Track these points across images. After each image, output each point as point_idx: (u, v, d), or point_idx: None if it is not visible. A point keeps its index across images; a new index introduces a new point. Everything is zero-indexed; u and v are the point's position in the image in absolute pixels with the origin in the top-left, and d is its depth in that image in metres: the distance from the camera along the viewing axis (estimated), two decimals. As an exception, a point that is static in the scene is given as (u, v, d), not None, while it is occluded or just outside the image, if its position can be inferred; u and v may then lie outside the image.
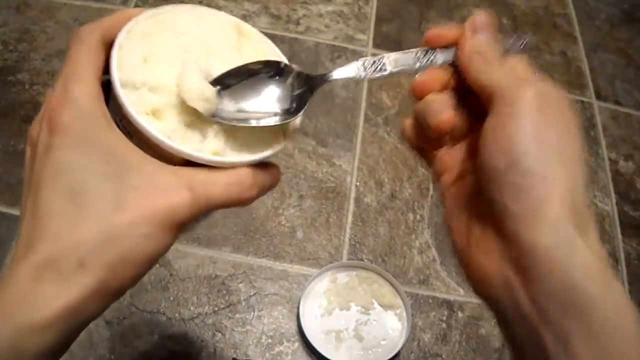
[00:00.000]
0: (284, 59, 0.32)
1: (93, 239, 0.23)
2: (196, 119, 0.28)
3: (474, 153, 0.27)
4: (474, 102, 0.28)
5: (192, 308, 0.57)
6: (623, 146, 0.79)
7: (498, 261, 0.25)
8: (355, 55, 0.81)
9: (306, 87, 0.30)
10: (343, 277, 0.60)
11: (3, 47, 0.74)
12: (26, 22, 0.78)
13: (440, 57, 0.29)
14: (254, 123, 0.28)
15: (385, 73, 0.31)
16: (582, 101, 0.83)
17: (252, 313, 0.57)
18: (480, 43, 0.28)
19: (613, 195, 0.73)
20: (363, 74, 0.31)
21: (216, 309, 0.57)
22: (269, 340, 0.56)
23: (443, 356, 0.58)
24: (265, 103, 0.29)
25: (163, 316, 0.56)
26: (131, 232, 0.24)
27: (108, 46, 0.27)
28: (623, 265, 0.67)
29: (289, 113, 0.29)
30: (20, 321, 0.22)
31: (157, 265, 0.58)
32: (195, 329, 0.55)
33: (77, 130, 0.24)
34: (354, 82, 0.78)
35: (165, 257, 0.59)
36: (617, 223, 0.71)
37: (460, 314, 0.61)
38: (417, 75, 0.29)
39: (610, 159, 0.77)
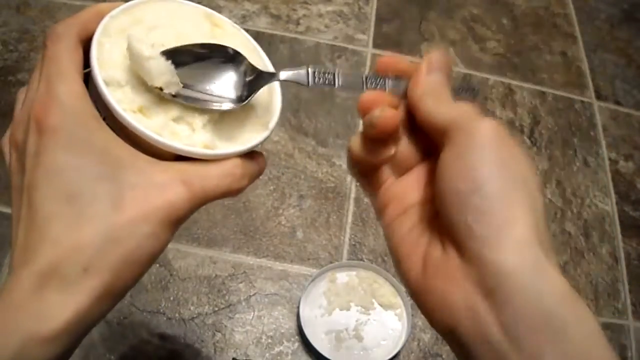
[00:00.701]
0: (258, 49, 0.32)
1: (95, 241, 0.23)
2: (182, 112, 0.28)
3: (425, 182, 0.28)
4: (418, 136, 0.29)
5: (192, 308, 0.57)
6: (623, 146, 0.79)
7: (462, 286, 0.24)
8: (355, 55, 0.81)
9: (256, 79, 0.30)
10: (343, 277, 0.60)
11: (3, 47, 0.75)
12: (26, 22, 0.78)
13: (390, 85, 0.29)
14: (216, 107, 0.28)
15: (334, 87, 0.31)
16: (582, 101, 0.83)
17: (252, 313, 0.57)
18: (434, 83, 0.28)
19: (613, 195, 0.73)
20: (311, 83, 0.30)
21: (216, 309, 0.57)
22: (269, 340, 0.56)
23: (443, 356, 0.58)
24: (220, 87, 0.29)
25: (163, 316, 0.56)
26: (133, 232, 0.23)
27: (84, 42, 0.27)
28: (623, 265, 0.67)
29: (240, 100, 0.29)
30: (26, 333, 0.21)
31: (157, 265, 0.58)
32: (195, 329, 0.55)
33: (67, 131, 0.24)
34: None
35: (165, 257, 0.59)
36: (617, 223, 0.71)
37: (460, 314, 0.61)
38: (365, 92, 0.29)
39: (610, 159, 0.77)
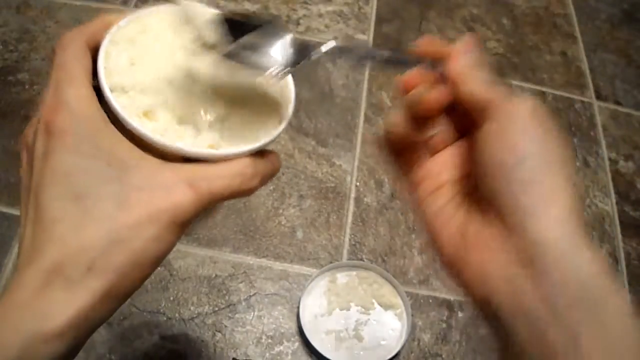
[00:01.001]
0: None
1: (100, 242, 0.23)
2: (188, 113, 0.28)
3: (461, 160, 0.29)
4: (452, 117, 0.29)
5: (192, 308, 0.57)
6: (623, 146, 0.79)
7: (501, 256, 0.24)
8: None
9: (300, 52, 0.30)
10: (343, 277, 0.60)
11: (3, 47, 0.75)
12: (26, 22, 0.78)
13: (428, 65, 0.30)
14: (265, 71, 0.28)
15: (374, 62, 0.32)
16: (582, 101, 0.83)
17: (252, 313, 0.57)
18: (472, 61, 0.29)
19: (613, 195, 0.73)
20: (359, 57, 0.32)
21: (216, 309, 0.57)
22: (269, 340, 0.56)
23: (443, 356, 0.58)
24: (268, 58, 0.29)
25: (163, 316, 0.56)
26: (138, 234, 0.23)
27: (92, 51, 0.28)
28: (623, 265, 0.67)
29: (289, 66, 0.29)
30: (30, 331, 0.21)
31: (157, 265, 0.58)
32: (195, 329, 0.55)
33: (74, 133, 0.24)
34: (354, 82, 0.78)
35: (166, 257, 0.59)
36: (617, 223, 0.71)
37: (460, 314, 0.61)
38: (406, 72, 0.30)
39: (610, 159, 0.77)
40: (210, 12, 0.32)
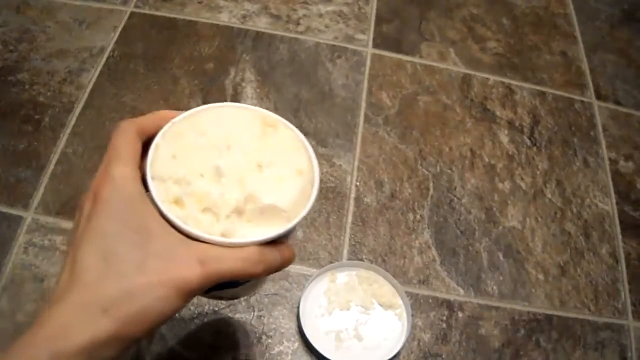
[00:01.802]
0: (310, 150, 0.39)
1: (117, 293, 0.28)
2: (210, 204, 0.33)
3: None
4: None
5: (192, 308, 0.57)
6: (623, 146, 0.79)
7: None
8: (355, 55, 0.81)
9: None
10: (343, 277, 0.60)
11: (3, 47, 0.75)
12: (26, 22, 0.78)
13: None
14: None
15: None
16: (582, 101, 0.83)
17: (252, 313, 0.57)
18: None
19: (613, 195, 0.73)
20: None
21: (216, 309, 0.57)
22: (269, 340, 0.56)
23: (443, 356, 0.58)
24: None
25: (163, 316, 0.56)
26: (148, 293, 0.29)
27: (143, 138, 0.34)
28: (623, 266, 0.67)
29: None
30: (56, 349, 0.27)
31: (157, 265, 0.58)
32: (196, 329, 0.55)
33: (114, 204, 0.30)
34: (354, 82, 0.78)
35: (165, 257, 0.59)
36: (617, 223, 0.71)
37: (460, 314, 0.61)
38: None
39: (610, 159, 0.77)
40: (250, 111, 0.39)
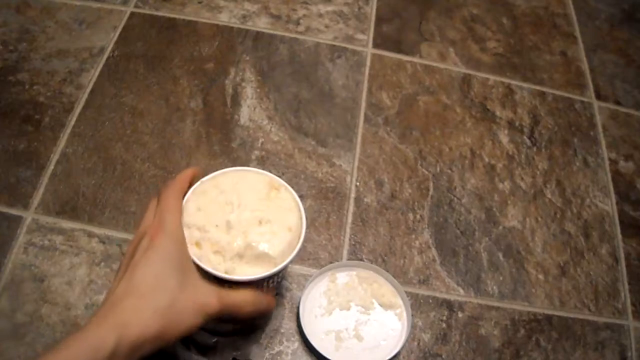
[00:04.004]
0: (302, 210, 0.48)
1: (164, 302, 0.39)
2: (219, 248, 0.45)
3: None
4: None
5: (192, 308, 0.57)
6: (623, 146, 0.79)
7: None
8: (355, 55, 0.81)
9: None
10: (343, 277, 0.60)
11: (3, 47, 0.75)
12: (26, 22, 0.78)
13: None
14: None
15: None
16: (582, 101, 0.83)
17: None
18: None
19: (613, 195, 0.73)
20: None
21: (216, 309, 0.57)
22: (269, 340, 0.56)
23: (443, 356, 0.58)
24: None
25: (163, 316, 0.56)
26: (185, 306, 0.40)
27: (183, 193, 0.46)
28: (623, 266, 0.67)
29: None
30: (120, 334, 0.37)
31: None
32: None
33: (164, 245, 0.41)
34: (354, 82, 0.78)
35: (165, 257, 0.59)
36: (617, 223, 0.71)
37: (460, 314, 0.61)
38: None
39: (610, 159, 0.77)
40: (262, 175, 0.50)
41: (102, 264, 0.59)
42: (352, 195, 0.68)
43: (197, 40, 0.79)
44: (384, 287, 0.60)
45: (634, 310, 0.64)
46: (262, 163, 0.68)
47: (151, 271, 0.40)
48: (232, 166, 0.51)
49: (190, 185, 0.48)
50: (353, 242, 0.64)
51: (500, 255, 0.66)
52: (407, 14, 0.88)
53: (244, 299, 0.44)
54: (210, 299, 0.41)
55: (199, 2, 0.84)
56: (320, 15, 0.85)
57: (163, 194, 0.45)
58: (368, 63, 0.81)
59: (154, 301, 0.39)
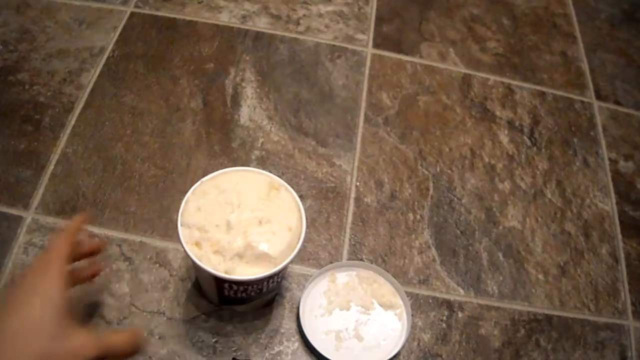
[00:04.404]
0: (302, 210, 0.48)
1: (39, 347, 0.38)
2: (219, 248, 0.45)
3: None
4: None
5: (192, 308, 0.57)
6: (623, 146, 0.79)
7: None
8: (355, 55, 0.81)
9: None
10: (343, 277, 0.60)
11: (3, 47, 0.75)
12: (26, 22, 0.78)
13: None
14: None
15: None
16: (582, 101, 0.83)
17: (252, 313, 0.57)
18: None
19: (613, 195, 0.73)
20: None
21: (216, 308, 0.57)
22: (269, 340, 0.56)
23: (443, 356, 0.58)
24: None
25: (163, 316, 0.56)
26: (58, 353, 0.39)
27: (73, 239, 0.45)
28: (623, 266, 0.67)
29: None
30: None
31: (157, 265, 0.58)
32: (195, 329, 0.55)
33: (46, 288, 0.41)
34: (354, 82, 0.78)
35: (165, 257, 0.59)
36: (617, 223, 0.71)
37: (460, 314, 0.61)
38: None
39: (610, 159, 0.77)
40: (262, 175, 0.50)
41: (102, 264, 0.59)
42: (352, 195, 0.68)
43: (197, 40, 0.79)
44: (384, 287, 0.60)
45: (634, 310, 0.64)
46: (262, 163, 0.68)
47: (30, 314, 0.39)
48: (232, 166, 0.51)
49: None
50: (353, 242, 0.64)
51: (500, 255, 0.66)
52: (407, 14, 0.88)
53: (123, 341, 0.43)
54: (87, 342, 0.40)
55: (199, 2, 0.84)
56: (320, 15, 0.86)
57: (54, 242, 0.44)
58: (368, 63, 0.81)
59: (28, 346, 0.38)
